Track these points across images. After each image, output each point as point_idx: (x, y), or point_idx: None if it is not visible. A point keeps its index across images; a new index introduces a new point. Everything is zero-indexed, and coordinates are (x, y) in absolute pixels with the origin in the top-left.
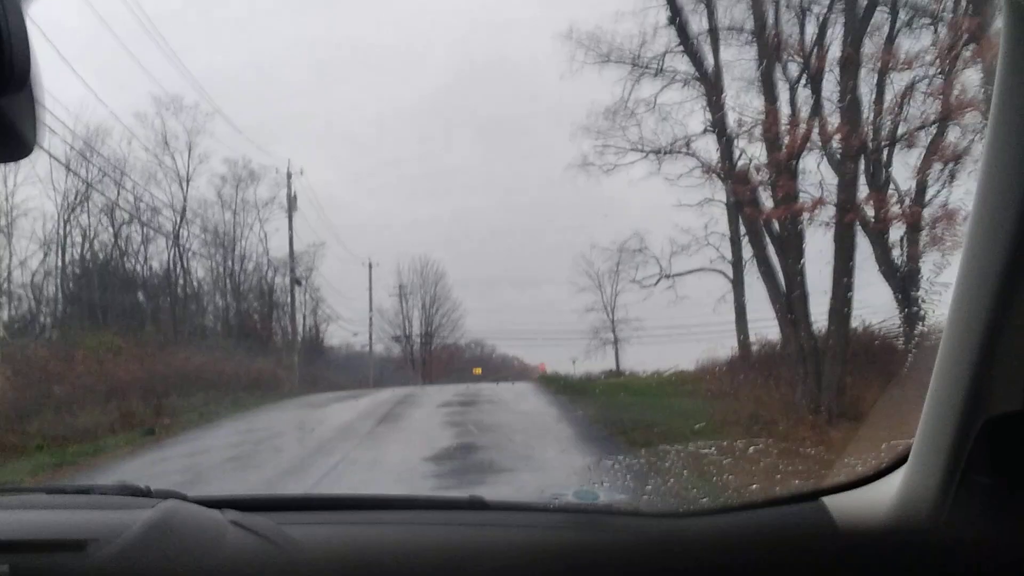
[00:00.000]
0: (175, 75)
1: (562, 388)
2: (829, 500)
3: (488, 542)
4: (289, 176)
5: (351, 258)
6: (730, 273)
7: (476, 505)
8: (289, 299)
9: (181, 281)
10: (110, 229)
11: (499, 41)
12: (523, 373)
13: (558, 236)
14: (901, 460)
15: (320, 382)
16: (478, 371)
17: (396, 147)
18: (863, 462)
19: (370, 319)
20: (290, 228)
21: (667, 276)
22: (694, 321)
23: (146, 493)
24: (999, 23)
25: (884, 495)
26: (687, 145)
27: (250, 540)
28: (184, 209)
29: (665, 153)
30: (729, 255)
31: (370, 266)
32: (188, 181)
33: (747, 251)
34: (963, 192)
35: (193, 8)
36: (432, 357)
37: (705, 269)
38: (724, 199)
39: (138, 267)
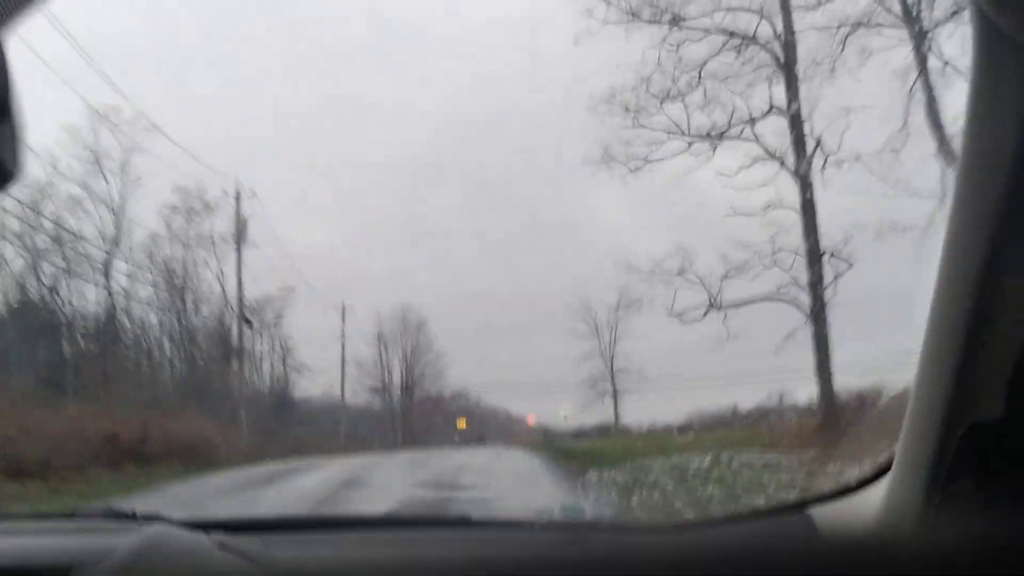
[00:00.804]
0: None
1: (566, 455)
2: (815, 511)
3: (475, 560)
4: (238, 198)
5: (324, 305)
6: (804, 300)
7: (462, 522)
8: (242, 344)
9: (121, 324)
10: (26, 260)
11: (488, 95)
12: (508, 425)
13: (549, 280)
14: (885, 469)
15: (278, 442)
16: (462, 424)
17: (377, 196)
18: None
19: (342, 369)
20: (239, 259)
21: (717, 308)
22: (717, 364)
23: (131, 516)
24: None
25: (868, 504)
26: (748, 126)
27: (236, 562)
28: (117, 239)
29: (720, 136)
30: (803, 276)
31: (343, 310)
32: (121, 206)
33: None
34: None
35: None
36: (413, 409)
37: (772, 299)
38: (799, 201)
39: (66, 307)
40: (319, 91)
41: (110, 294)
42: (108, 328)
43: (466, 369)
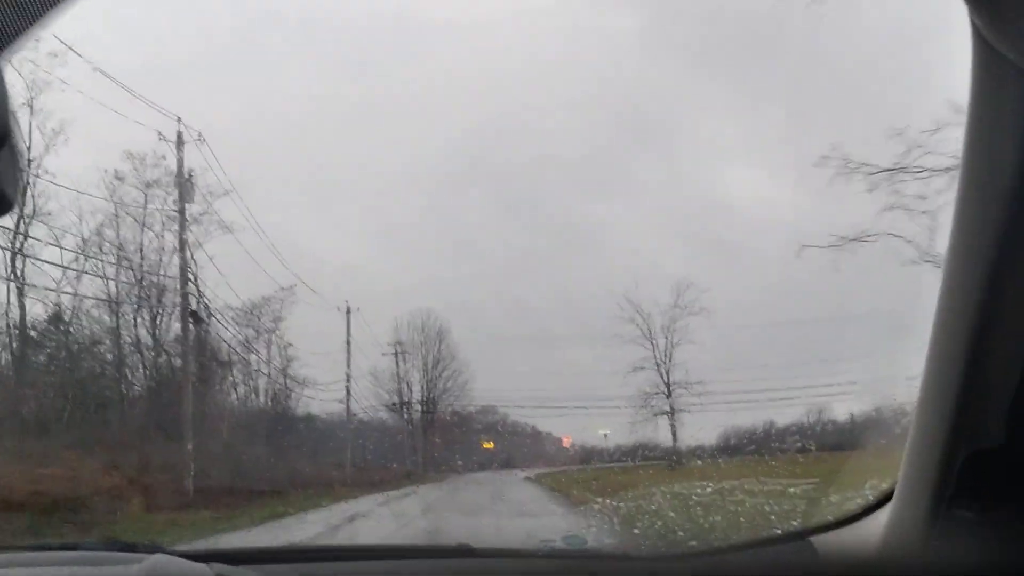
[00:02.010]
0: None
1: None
2: (817, 539)
3: None
4: (179, 143)
5: (331, 307)
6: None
7: (464, 552)
8: (186, 349)
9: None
10: None
11: (510, 97)
12: (537, 444)
13: (586, 286)
14: (887, 497)
15: (260, 477)
16: (489, 445)
17: (398, 199)
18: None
19: (347, 380)
20: (181, 225)
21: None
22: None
23: (132, 548)
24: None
25: (871, 532)
26: None
27: None
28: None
29: None
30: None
31: (348, 311)
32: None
33: None
34: None
35: (196, 58)
36: (435, 428)
37: None
38: None
39: None
40: (339, 90)
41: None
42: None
43: (492, 383)
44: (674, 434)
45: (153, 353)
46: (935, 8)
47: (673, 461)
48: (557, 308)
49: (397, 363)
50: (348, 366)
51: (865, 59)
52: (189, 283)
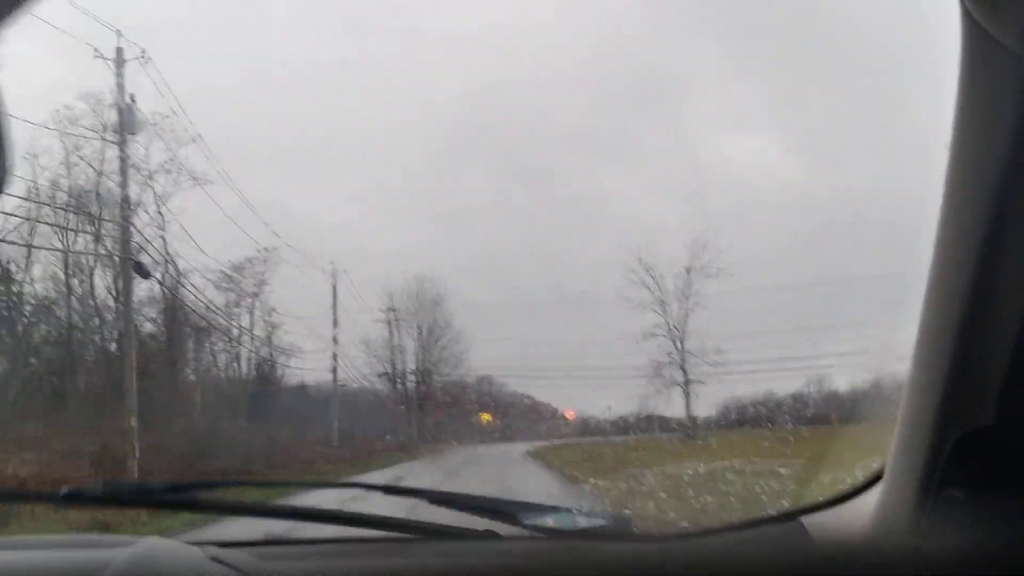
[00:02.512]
0: None
1: None
2: (807, 520)
3: (466, 570)
4: (119, 59)
5: (320, 272)
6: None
7: (452, 533)
8: (127, 308)
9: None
10: None
11: (512, 59)
12: (537, 417)
13: (589, 256)
14: (877, 477)
15: (233, 451)
16: (487, 417)
17: (395, 167)
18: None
19: (334, 346)
20: (123, 160)
21: None
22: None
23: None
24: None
25: (861, 513)
26: None
27: (229, 575)
28: None
29: None
30: None
31: (334, 272)
32: None
33: None
34: None
35: (196, 14)
36: (429, 398)
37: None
38: None
39: None
40: (340, 55)
41: None
42: None
43: (489, 352)
44: (688, 405)
45: (113, 316)
46: None
47: (689, 434)
48: (560, 275)
49: (390, 330)
50: (335, 331)
51: (862, 37)
52: (159, 237)
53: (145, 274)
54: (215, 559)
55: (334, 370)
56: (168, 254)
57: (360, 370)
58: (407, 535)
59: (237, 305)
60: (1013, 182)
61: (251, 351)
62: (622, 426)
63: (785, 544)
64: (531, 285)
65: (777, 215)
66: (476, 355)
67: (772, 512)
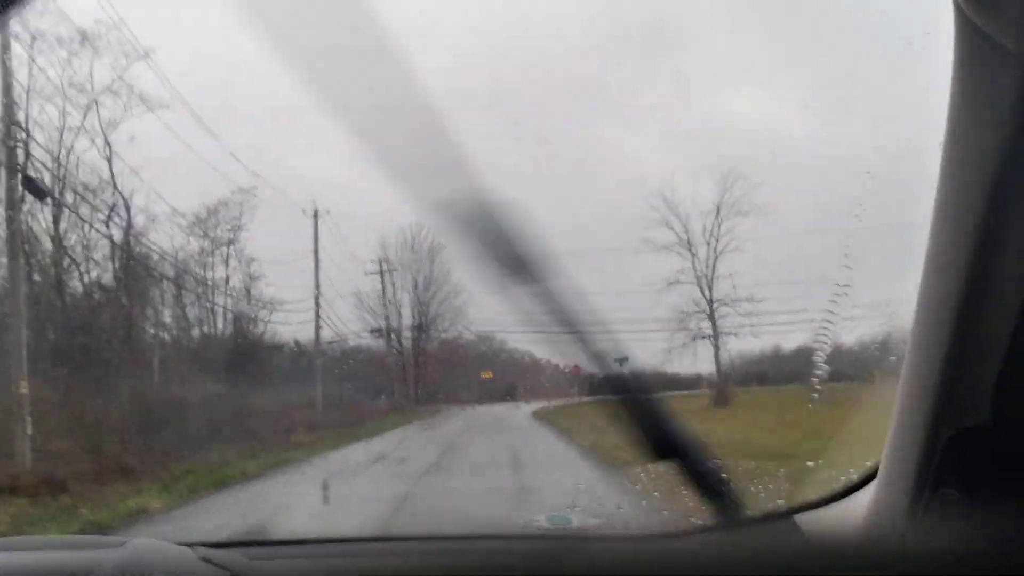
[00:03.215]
0: None
1: None
2: (801, 518)
3: (458, 572)
4: None
5: (304, 216)
6: None
7: (447, 536)
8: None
9: None
10: None
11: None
12: (542, 374)
13: (610, 181)
14: (871, 476)
15: (181, 425)
16: (488, 375)
17: (388, 119)
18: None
19: (317, 296)
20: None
21: None
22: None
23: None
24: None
25: (855, 511)
26: None
27: (220, 575)
28: None
29: None
30: None
31: (316, 215)
32: None
33: None
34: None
35: None
36: (426, 356)
37: None
38: None
39: None
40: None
41: None
42: None
43: (490, 306)
44: (718, 361)
45: (52, 263)
46: None
47: (719, 393)
48: (565, 227)
49: (383, 282)
50: (316, 281)
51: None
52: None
53: (38, 192)
54: (205, 559)
55: (317, 326)
56: (117, 189)
57: (351, 327)
58: (399, 536)
59: (211, 254)
60: (1007, 180)
61: (227, 306)
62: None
63: (778, 543)
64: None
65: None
66: (476, 309)
67: (766, 510)
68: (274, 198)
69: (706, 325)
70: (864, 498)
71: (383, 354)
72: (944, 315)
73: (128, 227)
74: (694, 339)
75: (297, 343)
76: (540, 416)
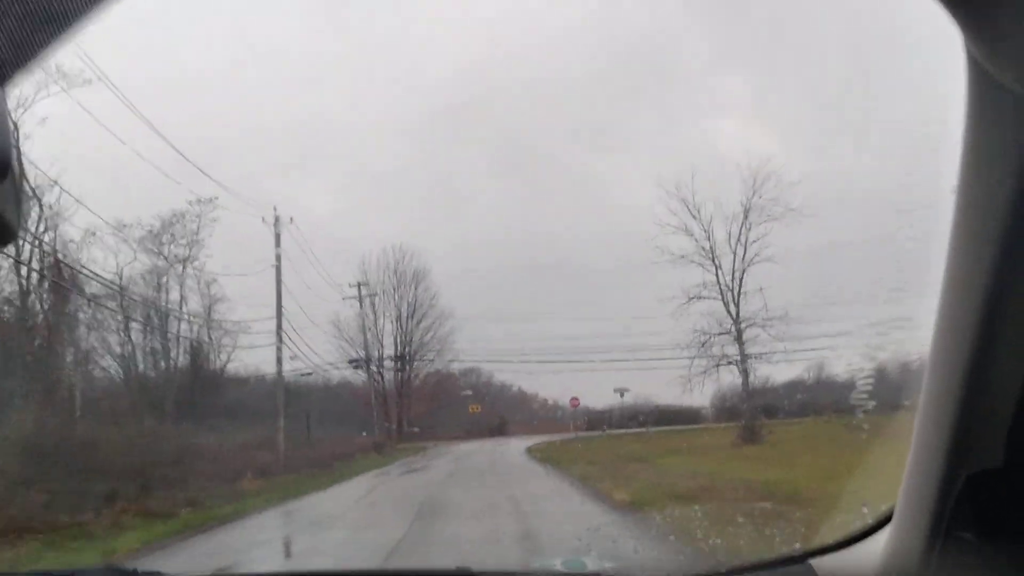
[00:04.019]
0: None
1: None
2: (817, 562)
3: None
4: None
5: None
6: None
7: (462, 575)
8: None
9: None
10: None
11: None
12: (524, 407)
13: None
14: (886, 520)
15: (98, 464)
16: (476, 408)
17: (378, 144)
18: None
19: (278, 322)
20: None
21: None
22: None
23: (131, 574)
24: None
25: (870, 555)
26: None
27: None
28: None
29: None
30: None
31: (276, 220)
32: None
33: None
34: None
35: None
36: (411, 390)
37: None
38: None
39: None
40: (325, 36)
41: None
42: None
43: (479, 333)
44: (746, 389)
45: None
46: (929, 33)
47: (747, 429)
48: (558, 251)
49: (361, 306)
50: (278, 297)
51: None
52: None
53: None
54: None
55: (279, 349)
56: (32, 187)
57: (328, 357)
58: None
59: (168, 273)
60: (1020, 224)
61: (179, 332)
62: (640, 415)
63: None
64: (530, 253)
65: None
66: (465, 339)
67: (781, 554)
68: (238, 212)
69: (732, 349)
70: (880, 540)
71: (363, 387)
72: (958, 361)
73: (43, 239)
74: (717, 365)
75: (263, 375)
76: (537, 454)
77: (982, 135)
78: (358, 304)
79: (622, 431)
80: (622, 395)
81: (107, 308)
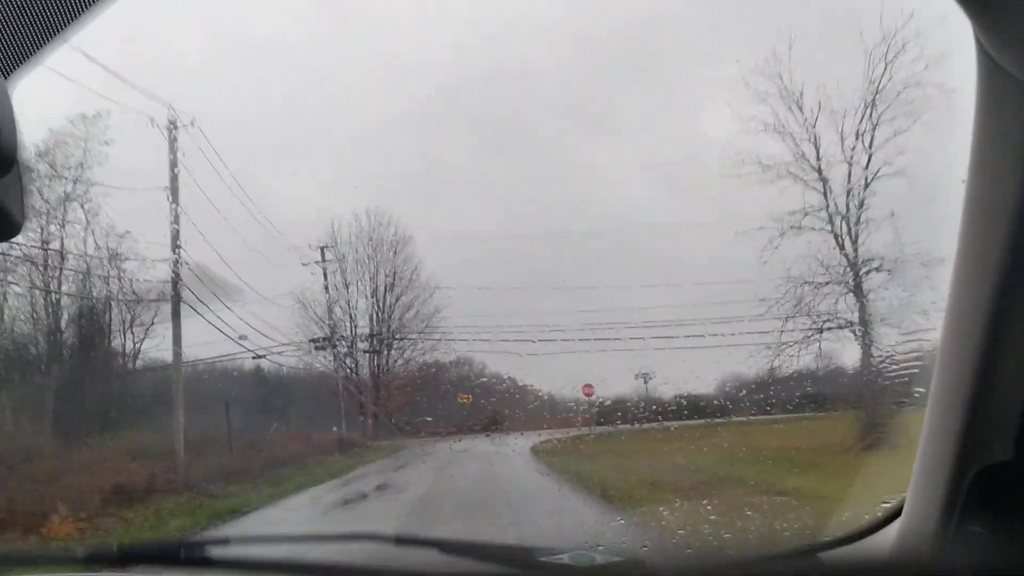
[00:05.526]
0: None
1: None
2: (826, 555)
3: None
4: None
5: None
6: None
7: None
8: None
9: None
10: None
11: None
12: (521, 398)
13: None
14: (896, 513)
15: None
16: (467, 399)
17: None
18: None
19: (175, 287)
20: None
21: None
22: None
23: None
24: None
25: (880, 549)
26: None
27: None
28: None
29: None
30: None
31: (172, 127)
32: None
33: None
34: None
35: None
36: (389, 378)
37: None
38: None
39: None
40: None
41: None
42: None
43: (471, 308)
44: (867, 363)
45: None
46: (940, 22)
47: (869, 419)
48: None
49: (326, 276)
50: (175, 258)
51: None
52: None
53: None
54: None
55: (175, 331)
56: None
57: (284, 337)
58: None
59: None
60: None
61: (69, 293)
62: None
63: None
64: (533, 222)
65: None
66: (454, 314)
67: (789, 547)
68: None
69: (844, 307)
70: (890, 534)
71: (330, 374)
72: (967, 355)
73: None
74: (820, 330)
75: (196, 359)
76: (545, 457)
77: (992, 128)
78: (322, 273)
79: (649, 425)
80: (646, 381)
81: None
